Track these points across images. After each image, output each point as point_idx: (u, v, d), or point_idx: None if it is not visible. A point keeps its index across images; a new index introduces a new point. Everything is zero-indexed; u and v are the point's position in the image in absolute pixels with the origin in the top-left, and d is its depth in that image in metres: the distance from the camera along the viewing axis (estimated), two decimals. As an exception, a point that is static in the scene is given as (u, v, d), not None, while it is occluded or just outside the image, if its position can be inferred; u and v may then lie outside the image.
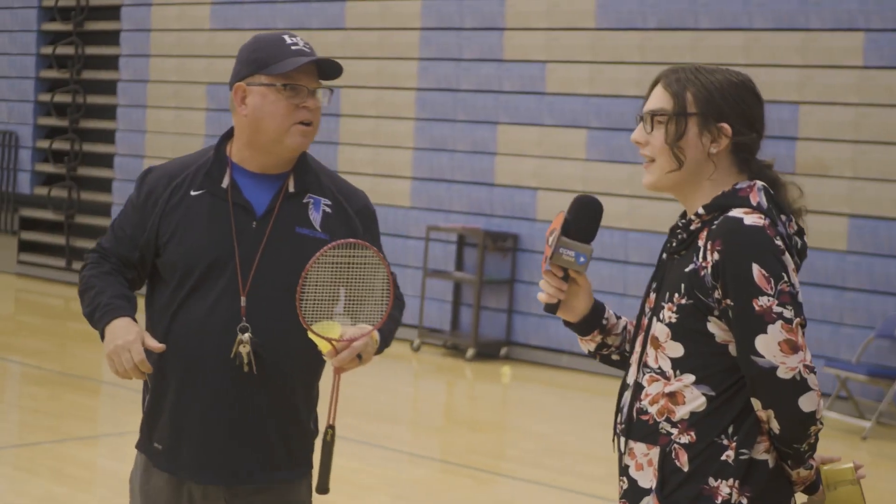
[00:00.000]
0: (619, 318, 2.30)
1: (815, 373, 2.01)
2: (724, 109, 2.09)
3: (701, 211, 2.08)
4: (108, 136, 12.38)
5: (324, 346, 2.45)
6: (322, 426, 2.58)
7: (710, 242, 2.04)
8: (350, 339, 2.44)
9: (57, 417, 6.84)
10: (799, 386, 1.98)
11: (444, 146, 9.99)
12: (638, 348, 2.14)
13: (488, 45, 9.77)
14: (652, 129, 2.12)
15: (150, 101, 11.90)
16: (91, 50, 12.53)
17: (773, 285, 1.98)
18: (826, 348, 8.13)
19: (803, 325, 2.01)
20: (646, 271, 8.78)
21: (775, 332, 1.98)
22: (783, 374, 1.97)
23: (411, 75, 10.17)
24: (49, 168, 12.70)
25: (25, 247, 12.81)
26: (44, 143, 12.72)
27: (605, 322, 2.26)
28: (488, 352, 9.48)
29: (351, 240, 2.50)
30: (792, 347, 1.98)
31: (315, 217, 2.60)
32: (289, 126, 2.53)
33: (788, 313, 1.99)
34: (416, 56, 10.15)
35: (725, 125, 2.09)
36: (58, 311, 11.30)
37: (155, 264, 2.62)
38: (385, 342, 2.60)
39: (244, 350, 2.49)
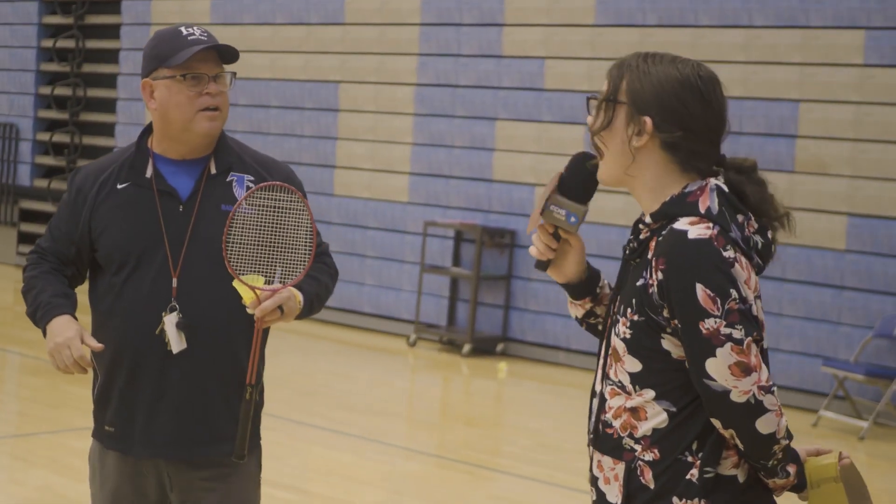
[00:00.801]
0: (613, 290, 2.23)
1: (772, 392, 1.93)
2: (651, 102, 1.96)
3: (648, 220, 2.00)
4: (107, 130, 12.38)
5: (247, 297, 2.54)
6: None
7: (654, 259, 1.95)
8: (272, 289, 2.54)
9: (55, 408, 6.85)
10: (754, 409, 1.90)
11: (442, 142, 9.99)
12: (603, 353, 2.08)
13: (487, 41, 9.77)
14: (590, 114, 2.05)
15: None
16: (91, 43, 12.53)
17: (719, 305, 1.88)
18: (824, 348, 8.13)
19: (758, 341, 1.92)
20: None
21: (724, 355, 1.89)
22: (736, 397, 1.89)
23: (410, 71, 10.17)
24: (49, 160, 12.71)
25: (25, 238, 12.82)
26: (44, 136, 12.73)
27: (598, 291, 2.19)
28: (485, 347, 9.49)
29: (277, 182, 2.62)
30: (743, 370, 1.89)
31: (240, 193, 2.70)
32: (193, 113, 2.64)
33: (738, 333, 1.89)
34: (416, 52, 10.14)
35: (647, 119, 1.97)
36: (56, 304, 11.29)
37: (94, 258, 2.74)
38: (311, 305, 2.69)
39: (167, 329, 2.61)
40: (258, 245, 2.59)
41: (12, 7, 12.96)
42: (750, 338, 1.91)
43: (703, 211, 1.94)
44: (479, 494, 5.78)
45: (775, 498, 2.04)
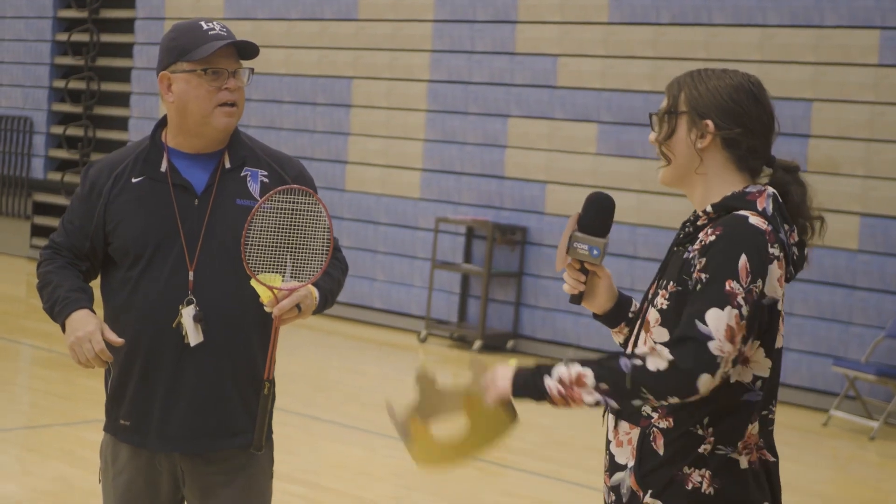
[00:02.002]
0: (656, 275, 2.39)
1: (726, 374, 2.05)
2: (710, 106, 2.18)
3: (709, 209, 2.17)
4: (121, 124, 12.43)
5: (265, 296, 2.57)
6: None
7: (710, 229, 2.13)
8: (290, 288, 2.57)
9: (68, 400, 6.89)
10: (713, 366, 2.02)
11: (454, 138, 10.00)
12: (636, 330, 2.25)
13: (501, 38, 9.77)
14: (653, 129, 2.26)
15: (163, 89, 11.93)
16: (106, 37, 12.58)
17: (748, 281, 2.06)
18: (835, 347, 8.13)
19: (745, 336, 2.06)
20: (654, 266, 8.78)
21: (730, 315, 2.04)
22: (713, 348, 2.02)
23: (423, 67, 10.18)
24: (63, 154, 12.77)
25: (38, 231, 12.88)
26: (58, 129, 12.78)
27: (631, 315, 2.36)
28: (495, 344, 9.50)
29: (295, 185, 2.64)
30: (731, 337, 2.04)
31: (254, 188, 2.71)
32: (212, 108, 2.65)
33: (745, 311, 2.06)
34: (429, 48, 10.16)
35: (709, 122, 2.18)
36: (69, 297, 11.35)
37: (107, 252, 2.74)
38: (325, 301, 2.71)
39: (184, 322, 2.62)
40: (276, 246, 2.60)
41: (28, 0, 13.02)
42: (745, 323, 2.06)
43: (760, 209, 2.15)
44: (489, 490, 5.80)
45: (745, 470, 2.14)
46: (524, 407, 8.03)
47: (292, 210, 2.62)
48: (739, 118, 2.17)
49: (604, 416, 2.25)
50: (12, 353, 8.30)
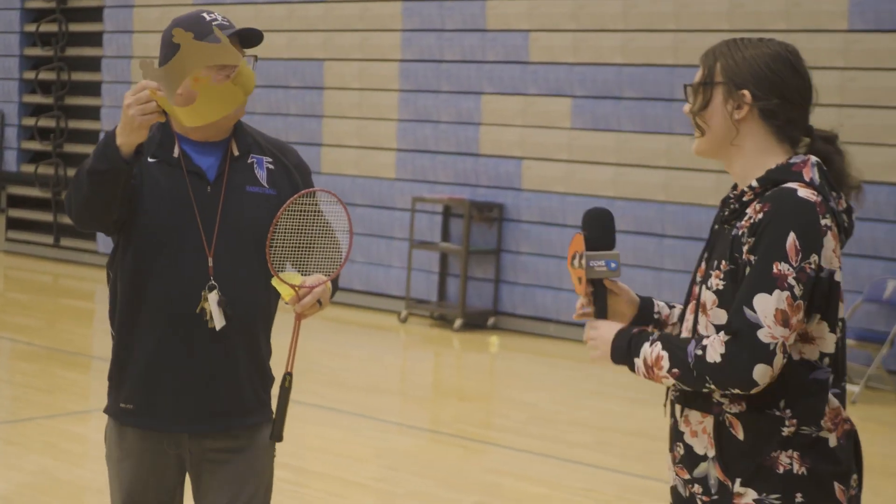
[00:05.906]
0: (672, 307, 2.36)
1: (785, 358, 2.01)
2: (746, 77, 2.14)
3: (754, 184, 2.12)
4: (93, 113, 12.34)
5: (286, 294, 2.63)
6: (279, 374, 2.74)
7: (758, 205, 2.08)
8: (311, 286, 2.63)
9: (48, 393, 6.86)
10: (767, 355, 1.99)
11: (428, 117, 9.98)
12: (690, 316, 2.19)
13: (471, 14, 9.74)
14: (687, 100, 2.22)
15: (134, 77, 11.85)
16: (75, 27, 12.47)
17: (798, 259, 2.01)
18: (812, 312, 8.18)
19: (804, 317, 2.02)
20: (635, 239, 8.80)
21: (779, 298, 2.00)
22: (763, 336, 1.99)
23: (394, 47, 10.14)
24: (35, 145, 12.67)
25: (13, 224, 12.80)
26: (29, 121, 12.68)
27: (656, 316, 2.33)
28: (476, 322, 9.52)
29: (320, 189, 2.73)
30: (784, 321, 2.00)
31: (261, 175, 2.77)
32: None
33: (798, 291, 2.01)
34: (399, 27, 10.12)
35: (745, 92, 2.14)
36: (47, 288, 11.30)
37: (129, 233, 2.70)
38: (335, 287, 2.79)
39: (208, 307, 2.65)
40: (298, 245, 2.65)
41: (-7, -9, 12.89)
42: (802, 301, 2.02)
43: (807, 179, 2.10)
44: (473, 468, 5.82)
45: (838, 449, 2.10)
46: (508, 384, 7.97)
47: (315, 211, 2.67)
48: (777, 88, 2.14)
49: (665, 405, 2.22)
50: (-9, 348, 8.26)
